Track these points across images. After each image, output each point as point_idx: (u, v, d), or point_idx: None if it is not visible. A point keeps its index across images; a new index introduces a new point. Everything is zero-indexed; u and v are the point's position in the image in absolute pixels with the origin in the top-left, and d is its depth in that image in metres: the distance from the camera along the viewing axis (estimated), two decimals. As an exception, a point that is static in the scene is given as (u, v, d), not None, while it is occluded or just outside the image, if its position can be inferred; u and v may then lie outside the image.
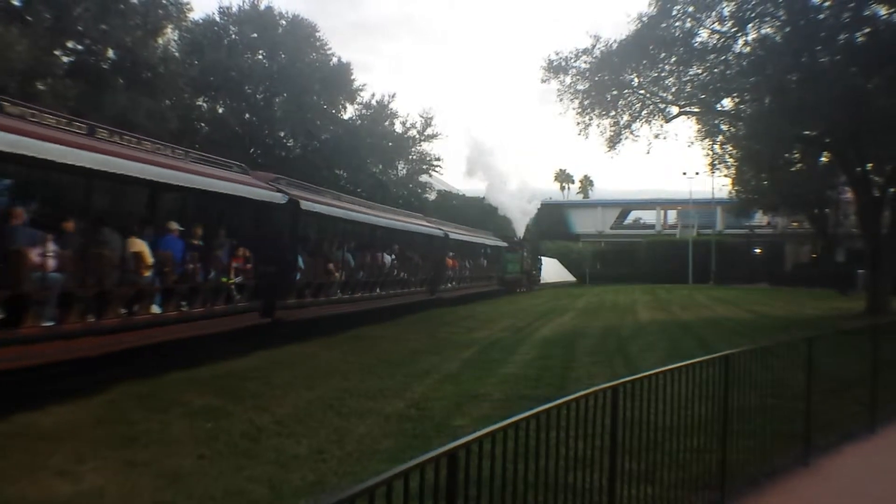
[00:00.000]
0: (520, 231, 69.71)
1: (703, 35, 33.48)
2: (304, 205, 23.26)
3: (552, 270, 79.03)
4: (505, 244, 60.63)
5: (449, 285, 43.50)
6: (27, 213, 14.10)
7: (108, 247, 15.35)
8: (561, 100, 37.51)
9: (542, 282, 72.42)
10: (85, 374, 13.94)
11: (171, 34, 42.36)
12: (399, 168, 61.88)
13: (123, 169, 14.39)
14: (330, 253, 27.33)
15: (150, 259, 16.29)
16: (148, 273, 16.26)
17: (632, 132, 37.49)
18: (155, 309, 16.38)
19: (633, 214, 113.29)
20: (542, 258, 76.84)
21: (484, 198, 76.81)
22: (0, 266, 12.62)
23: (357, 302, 28.22)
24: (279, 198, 21.61)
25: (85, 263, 14.53)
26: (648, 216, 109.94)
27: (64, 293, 13.50)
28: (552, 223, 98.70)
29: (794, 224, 69.51)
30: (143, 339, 15.64)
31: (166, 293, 16.83)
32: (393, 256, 34.40)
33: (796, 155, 38.33)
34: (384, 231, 32.98)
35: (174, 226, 18.05)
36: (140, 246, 16.17)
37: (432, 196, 67.21)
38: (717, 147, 38.44)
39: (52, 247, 13.66)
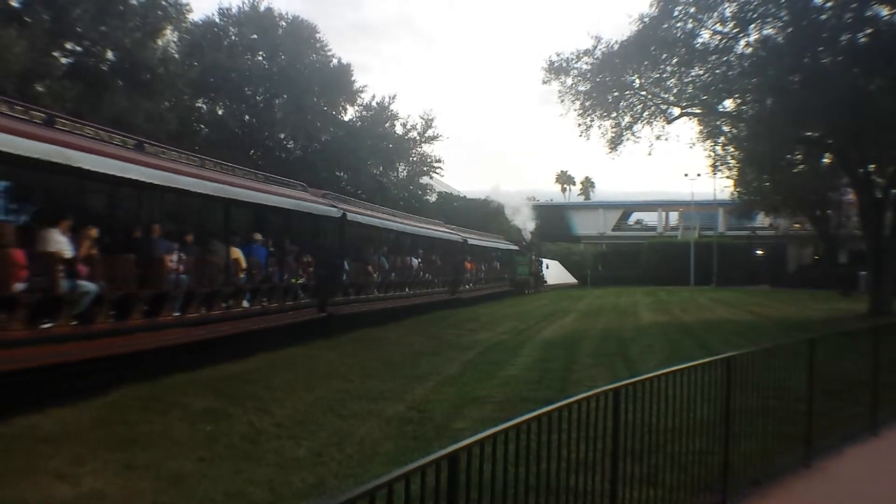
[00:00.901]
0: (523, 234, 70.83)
1: (705, 36, 33.51)
2: (350, 216, 27.92)
3: (553, 272, 79.57)
4: (516, 248, 65.30)
5: (467, 286, 47.51)
6: (161, 228, 17.81)
7: (216, 255, 19.59)
8: (562, 101, 37.58)
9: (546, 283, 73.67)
10: (201, 355, 17.32)
11: (170, 35, 42.41)
12: (400, 170, 61.96)
13: (227, 193, 18.79)
14: (369, 257, 31.57)
15: (244, 264, 20.69)
16: (242, 275, 20.54)
17: (633, 133, 37.54)
18: (245, 304, 20.43)
19: (635, 216, 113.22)
20: (544, 260, 77.80)
21: (487, 198, 77.13)
22: (146, 270, 16.22)
23: (390, 300, 32.36)
24: (334, 211, 26.40)
25: (201, 268, 18.52)
26: (650, 218, 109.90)
27: (187, 291, 17.47)
28: (553, 225, 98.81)
29: (796, 225, 69.39)
30: (235, 329, 19.37)
31: (253, 291, 20.92)
32: (419, 260, 38.89)
33: (798, 156, 38.25)
34: (412, 237, 38.57)
35: (258, 236, 22.54)
36: (237, 253, 20.51)
37: (433, 198, 67.26)
38: (718, 148, 38.48)
39: (179, 255, 17.67)
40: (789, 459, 9.96)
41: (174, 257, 17.31)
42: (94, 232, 15.20)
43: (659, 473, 7.50)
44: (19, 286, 12.70)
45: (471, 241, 50.16)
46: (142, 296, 15.77)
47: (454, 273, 44.68)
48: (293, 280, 23.77)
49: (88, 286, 14.11)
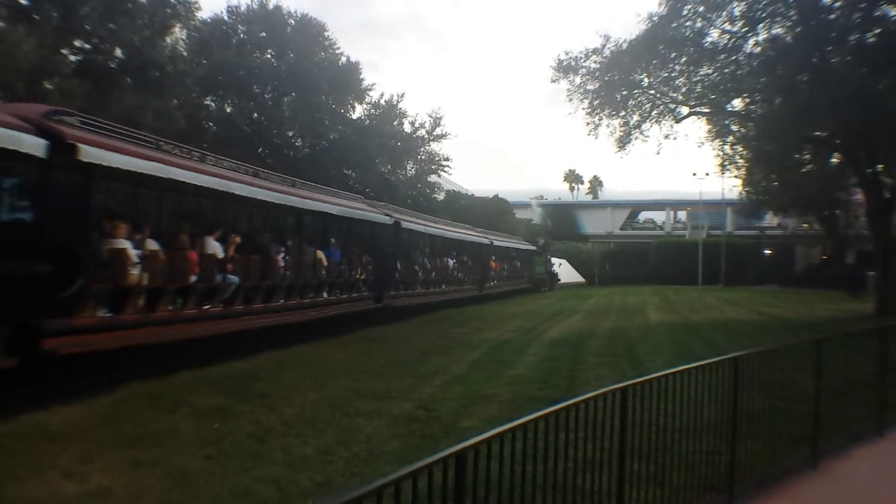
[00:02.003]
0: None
1: (714, 35, 33.43)
2: (403, 224, 33.73)
3: (561, 271, 79.82)
4: (534, 248, 71.32)
5: (492, 283, 52.85)
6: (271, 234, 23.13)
7: (306, 255, 24.33)
8: (571, 100, 37.53)
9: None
10: (297, 333, 21.92)
11: (178, 33, 42.50)
12: (408, 168, 61.89)
13: (315, 207, 24.30)
14: (415, 258, 37.39)
15: (325, 262, 25.63)
16: (324, 272, 25.45)
17: (642, 132, 37.45)
18: (324, 295, 25.28)
19: (643, 215, 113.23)
20: (556, 259, 79.36)
21: (497, 195, 77.39)
22: (265, 267, 21.03)
23: (431, 295, 37.74)
24: (388, 220, 31.55)
25: (298, 265, 23.32)
26: (658, 217, 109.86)
27: (289, 284, 22.31)
28: (561, 224, 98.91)
29: (805, 225, 69.28)
30: (319, 314, 24.42)
31: (331, 285, 25.83)
32: (454, 261, 44.60)
33: (807, 156, 38.23)
34: (448, 241, 43.93)
35: (333, 240, 27.49)
36: (321, 255, 25.42)
37: (441, 196, 67.25)
38: (727, 148, 38.36)
39: (284, 256, 22.54)
40: (796, 460, 9.95)
41: (281, 257, 22.34)
42: (237, 238, 20.42)
43: (666, 473, 7.49)
44: (193, 278, 17.66)
45: (496, 243, 55.11)
46: (262, 287, 20.74)
47: (481, 271, 49.74)
48: (357, 276, 28.49)
49: (233, 279, 19.24)
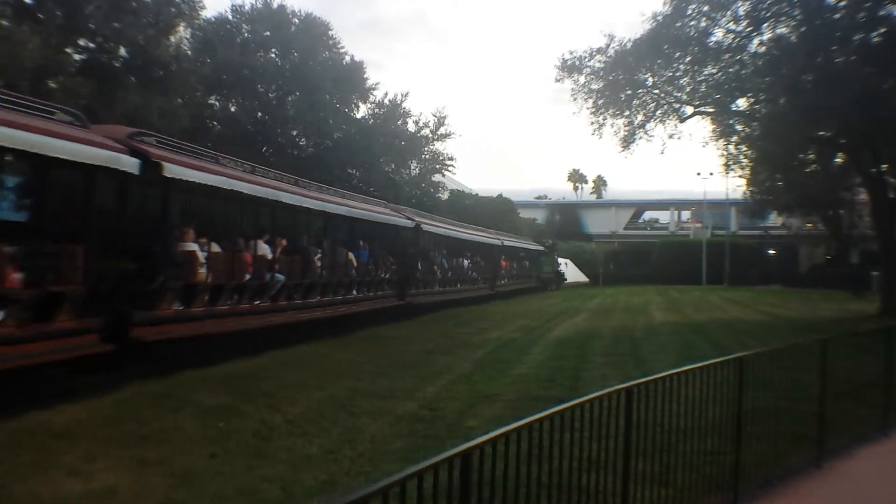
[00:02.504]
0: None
1: (718, 34, 33.48)
2: (424, 227, 36.62)
3: (567, 271, 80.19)
4: (542, 248, 73.61)
5: (503, 282, 55.20)
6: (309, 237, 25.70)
7: (340, 256, 26.75)
8: (575, 99, 37.62)
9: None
10: (326, 329, 23.89)
11: (183, 32, 42.49)
12: (412, 167, 61.91)
13: (348, 213, 27.02)
14: (434, 259, 39.99)
15: (355, 262, 28.06)
16: (353, 271, 27.85)
17: (646, 132, 37.53)
18: (354, 292, 27.68)
19: (647, 215, 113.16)
20: (561, 259, 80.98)
21: (500, 195, 77.57)
22: (305, 267, 23.64)
23: (448, 293, 40.31)
24: (410, 223, 34.41)
25: (332, 265, 25.96)
26: (662, 217, 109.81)
27: (325, 282, 24.87)
28: (565, 223, 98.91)
29: (809, 225, 69.35)
30: (349, 310, 26.67)
31: (359, 283, 28.23)
32: (468, 261, 47.18)
33: (811, 156, 38.23)
34: (462, 242, 45.89)
35: (362, 243, 29.59)
36: (351, 256, 27.75)
37: (445, 196, 67.25)
38: (731, 147, 38.48)
39: (321, 257, 25.19)
40: (801, 460, 9.95)
41: (318, 258, 24.83)
42: (283, 241, 22.69)
43: (670, 473, 7.49)
44: (247, 277, 19.93)
45: (506, 243, 57.48)
46: (303, 284, 23.20)
47: (493, 271, 52.25)
48: (383, 276, 31.10)
49: (280, 277, 21.57)
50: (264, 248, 21.14)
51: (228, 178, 18.48)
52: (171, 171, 15.63)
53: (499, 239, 55.44)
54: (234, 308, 19.12)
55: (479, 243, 50.08)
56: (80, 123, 14.42)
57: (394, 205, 37.14)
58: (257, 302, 20.36)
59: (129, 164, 14.50)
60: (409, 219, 34.47)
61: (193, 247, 17.78)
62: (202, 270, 17.88)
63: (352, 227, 28.55)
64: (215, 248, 19.02)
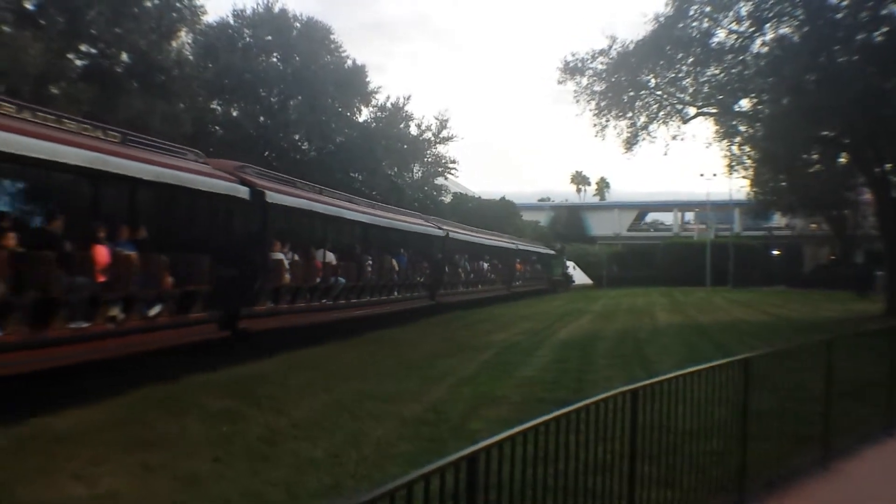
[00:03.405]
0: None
1: (721, 35, 33.55)
2: (451, 235, 40.70)
3: (574, 273, 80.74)
4: (553, 252, 75.57)
5: (518, 283, 58.21)
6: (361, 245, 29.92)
7: (385, 262, 30.75)
8: (578, 101, 37.76)
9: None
10: (368, 325, 27.11)
11: (185, 37, 42.50)
12: (414, 171, 61.83)
13: (392, 225, 31.52)
14: (459, 262, 43.82)
15: (396, 267, 32.14)
16: (395, 275, 31.82)
17: (649, 133, 37.63)
18: (396, 294, 31.49)
19: (651, 216, 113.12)
20: (569, 262, 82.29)
21: (504, 197, 77.70)
22: (359, 271, 27.60)
23: (471, 293, 44.08)
24: (440, 232, 38.71)
25: (379, 270, 29.92)
26: (666, 218, 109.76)
27: (373, 285, 28.79)
28: (568, 225, 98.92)
29: (813, 226, 69.29)
30: (392, 308, 30.36)
31: (399, 286, 32.11)
32: (487, 264, 50.67)
33: (814, 156, 38.24)
34: (483, 247, 50.07)
35: (402, 250, 33.67)
36: (393, 262, 31.84)
37: (448, 199, 67.24)
38: (734, 148, 38.39)
39: (369, 263, 29.10)
40: (806, 461, 9.94)
41: (368, 264, 28.74)
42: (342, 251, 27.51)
43: (676, 475, 7.49)
44: (318, 280, 24.03)
45: (520, 248, 61.36)
46: (357, 287, 27.01)
47: (509, 273, 55.92)
48: (418, 279, 34.82)
49: (341, 280, 25.72)
50: (330, 256, 25.64)
51: (306, 199, 23.37)
52: (271, 197, 20.34)
53: (514, 243, 59.19)
54: (308, 306, 23.30)
55: (496, 248, 53.63)
56: (203, 160, 18.92)
57: (425, 215, 41.75)
58: (324, 301, 24.47)
59: (243, 192, 19.08)
60: (439, 228, 39.10)
61: (280, 256, 21.92)
62: (287, 275, 21.91)
63: (394, 236, 33.05)
64: (295, 256, 23.22)
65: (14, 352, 11.97)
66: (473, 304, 42.31)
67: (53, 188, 16.87)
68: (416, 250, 36.39)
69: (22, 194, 16.88)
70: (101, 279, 14.51)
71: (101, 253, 14.81)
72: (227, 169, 19.77)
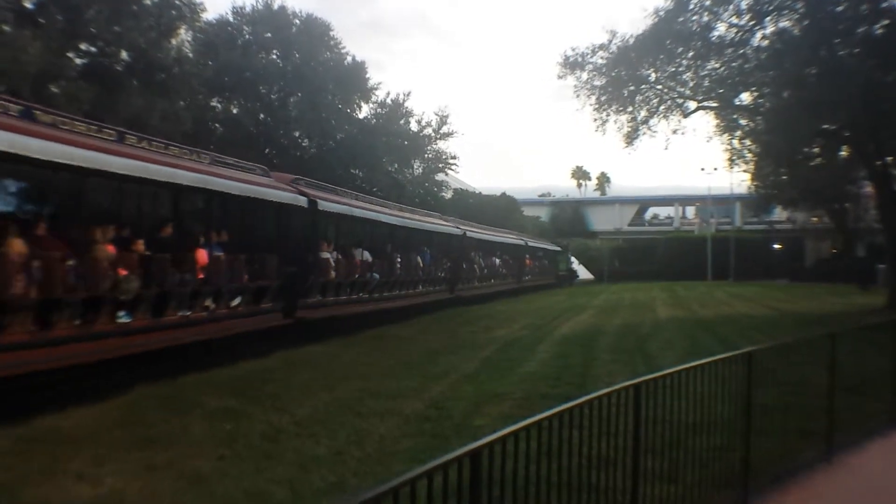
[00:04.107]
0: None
1: (721, 29, 33.40)
2: (468, 234, 45.09)
3: (578, 269, 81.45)
4: (559, 249, 78.96)
5: (527, 278, 61.40)
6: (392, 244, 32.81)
7: (412, 259, 34.33)
8: (578, 96, 37.70)
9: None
10: (395, 316, 30.23)
11: (184, 35, 42.46)
12: (415, 167, 61.87)
13: (418, 225, 35.65)
14: (474, 258, 47.25)
15: (421, 264, 35.73)
16: (420, 271, 35.27)
17: (649, 128, 37.54)
18: (420, 288, 34.64)
19: (651, 211, 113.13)
20: (573, 258, 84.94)
21: (504, 193, 77.82)
22: (390, 267, 31.16)
23: (484, 287, 47.18)
24: (459, 231, 42.76)
25: (407, 266, 33.40)
26: (666, 212, 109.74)
27: (402, 280, 32.28)
28: (569, 220, 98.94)
29: (814, 219, 69.11)
30: (417, 301, 33.60)
31: (424, 280, 35.35)
32: (499, 260, 53.91)
33: (816, 149, 38.07)
34: (495, 244, 54.00)
35: (426, 248, 37.36)
36: (419, 259, 35.48)
37: (448, 195, 67.24)
38: (735, 142, 38.27)
39: (399, 260, 32.67)
40: (810, 455, 9.94)
41: (398, 262, 32.13)
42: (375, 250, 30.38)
43: (680, 470, 7.48)
44: (356, 276, 27.01)
45: (529, 244, 65.29)
46: (388, 282, 30.24)
47: (519, 268, 58.96)
48: (440, 274, 38.32)
49: (376, 276, 28.91)
50: (366, 255, 29.02)
51: (347, 205, 27.06)
52: (322, 205, 24.30)
53: (523, 240, 63.31)
54: (349, 298, 26.52)
55: (508, 244, 57.71)
56: (268, 175, 22.86)
57: (445, 216, 45.83)
58: (362, 294, 27.72)
59: (302, 201, 23.12)
60: (457, 227, 43.27)
61: (327, 255, 25.34)
62: (332, 272, 25.13)
63: (418, 236, 36.33)
64: (338, 255, 26.42)
65: (143, 334, 15.47)
66: (487, 297, 45.52)
67: (165, 201, 19.33)
68: (438, 248, 39.78)
69: (141, 207, 19.55)
70: (200, 276, 17.98)
71: (201, 255, 18.43)
72: (285, 181, 23.68)
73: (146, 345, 15.44)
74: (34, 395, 12.45)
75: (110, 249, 15.29)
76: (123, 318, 14.93)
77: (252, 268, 20.30)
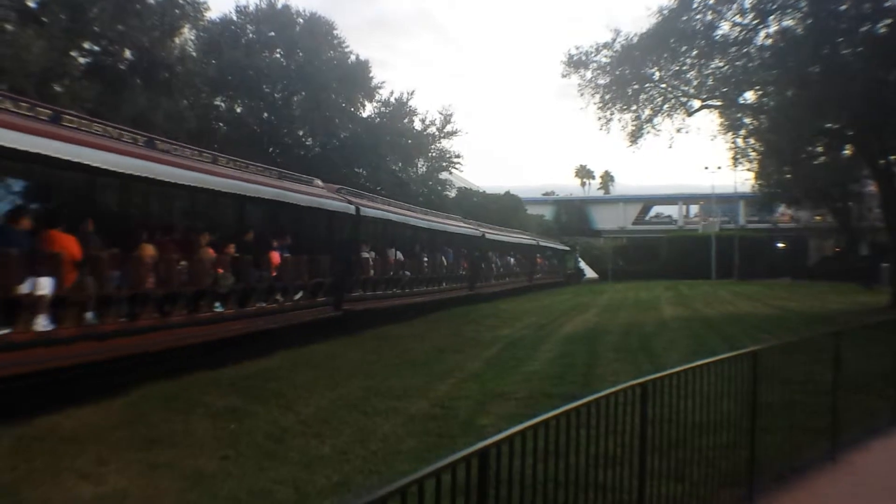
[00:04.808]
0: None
1: (725, 28, 33.37)
2: (487, 235, 48.49)
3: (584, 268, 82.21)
4: (567, 248, 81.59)
5: (538, 276, 64.47)
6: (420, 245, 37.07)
7: (437, 258, 37.54)
8: (582, 94, 37.68)
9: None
10: (425, 310, 33.25)
11: (188, 34, 42.35)
12: (419, 166, 61.74)
13: (444, 228, 39.73)
14: (491, 258, 50.80)
15: (445, 263, 39.05)
16: (444, 269, 38.40)
17: (653, 126, 37.54)
18: (444, 285, 37.65)
19: (655, 209, 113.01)
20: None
21: (508, 192, 77.87)
22: (418, 265, 34.33)
23: (500, 284, 50.16)
24: (478, 232, 46.36)
25: (433, 265, 36.67)
26: (670, 211, 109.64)
27: (429, 277, 35.36)
28: (573, 219, 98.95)
29: (818, 218, 69.14)
30: (441, 296, 36.22)
31: (447, 278, 38.67)
32: (513, 259, 57.73)
33: (819, 148, 38.11)
34: (510, 244, 57.68)
35: (449, 248, 41.08)
36: (443, 258, 38.57)
37: (452, 193, 67.17)
38: (739, 141, 38.33)
39: (426, 259, 35.95)
40: (815, 453, 9.95)
41: (425, 261, 35.16)
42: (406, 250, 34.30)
43: (685, 468, 7.49)
44: (391, 272, 30.02)
45: (541, 244, 68.52)
46: (417, 279, 33.28)
47: (531, 266, 62.28)
48: (461, 272, 41.86)
49: (408, 274, 31.79)
50: (399, 254, 32.27)
51: (383, 210, 30.61)
52: (364, 211, 27.78)
53: (535, 241, 66.72)
54: (384, 293, 29.31)
55: (521, 244, 61.44)
56: (320, 185, 26.01)
57: (465, 218, 49.25)
58: (395, 290, 30.52)
59: (351, 209, 26.49)
60: (476, 229, 46.68)
61: (367, 255, 28.82)
62: (371, 270, 28.50)
63: (442, 237, 40.18)
64: (374, 255, 29.69)
65: (233, 321, 18.76)
66: (502, 294, 48.43)
67: (248, 212, 23.77)
68: (459, 248, 43.46)
69: (230, 216, 23.80)
70: (273, 274, 21.40)
71: (275, 256, 21.91)
72: (332, 191, 26.79)
73: (237, 330, 18.95)
74: (158, 366, 15.57)
75: (210, 252, 18.83)
76: (218, 307, 18.37)
77: (310, 267, 23.49)
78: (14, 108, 12.62)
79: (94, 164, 13.68)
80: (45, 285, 12.92)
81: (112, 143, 14.91)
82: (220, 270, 18.56)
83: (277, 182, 22.40)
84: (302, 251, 23.71)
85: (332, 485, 8.99)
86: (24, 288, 12.54)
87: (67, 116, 14.17)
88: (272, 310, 20.79)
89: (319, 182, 26.34)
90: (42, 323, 12.81)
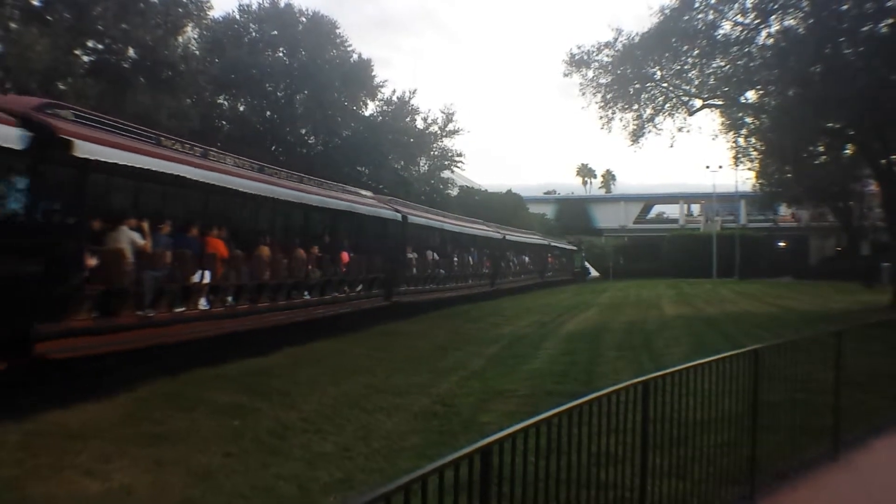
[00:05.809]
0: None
1: (726, 27, 33.27)
2: (507, 237, 53.74)
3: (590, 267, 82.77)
4: (575, 248, 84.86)
5: (549, 274, 68.63)
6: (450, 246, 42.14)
7: (463, 258, 42.07)
8: (583, 94, 37.53)
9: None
10: (454, 303, 37.51)
11: (191, 32, 42.51)
12: (421, 164, 61.75)
13: (467, 231, 43.93)
14: (509, 257, 56.26)
15: (471, 262, 43.09)
16: (470, 268, 42.62)
17: (655, 126, 37.40)
18: (470, 281, 41.81)
19: (656, 209, 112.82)
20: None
21: (510, 190, 77.87)
22: (449, 263, 39.76)
23: (516, 281, 55.16)
24: (499, 235, 51.25)
25: (462, 263, 41.98)
26: (672, 210, 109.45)
27: (455, 274, 40.21)
28: (574, 218, 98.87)
29: (819, 217, 69.02)
30: (466, 292, 40.22)
31: (473, 275, 42.99)
32: (527, 258, 62.09)
33: (820, 147, 38.02)
34: (522, 245, 61.50)
35: (473, 249, 45.32)
36: (469, 258, 42.88)
37: (454, 192, 67.17)
38: (740, 140, 38.24)
39: (455, 258, 41.75)
40: (816, 452, 9.95)
41: (455, 259, 40.09)
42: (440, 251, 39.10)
43: (687, 466, 7.51)
44: (428, 271, 34.87)
45: (551, 244, 71.99)
46: (449, 275, 38.21)
47: (542, 265, 66.66)
48: (484, 271, 46.41)
49: (442, 272, 36.54)
50: (433, 254, 36.93)
51: (423, 217, 35.32)
52: (410, 218, 32.53)
53: (546, 241, 70.63)
54: (423, 288, 33.69)
55: (534, 245, 65.67)
56: (372, 196, 30.68)
57: (489, 222, 52.38)
58: (431, 285, 34.88)
59: (399, 217, 31.08)
60: (497, 231, 51.46)
61: (411, 255, 33.14)
62: (413, 268, 33.14)
63: (467, 239, 44.67)
64: (414, 255, 33.80)
65: (316, 307, 23.11)
66: (518, 290, 53.09)
67: (325, 220, 27.44)
68: (482, 249, 48.20)
69: (314, 223, 26.80)
70: (343, 270, 25.80)
71: (344, 256, 26.30)
72: (384, 202, 31.24)
73: (322, 313, 23.32)
74: (269, 339, 19.51)
75: (302, 253, 22.88)
76: (306, 296, 22.61)
77: (368, 265, 27.85)
78: (180, 147, 17.75)
79: (234, 188, 18.31)
80: (206, 277, 17.64)
81: (239, 170, 19.92)
82: (310, 267, 23.11)
83: (347, 196, 27.47)
84: (361, 252, 27.92)
85: (335, 481, 9.03)
86: (195, 278, 17.26)
87: (211, 153, 19.57)
88: (342, 298, 25.09)
89: (368, 193, 31.74)
90: (202, 304, 17.54)
